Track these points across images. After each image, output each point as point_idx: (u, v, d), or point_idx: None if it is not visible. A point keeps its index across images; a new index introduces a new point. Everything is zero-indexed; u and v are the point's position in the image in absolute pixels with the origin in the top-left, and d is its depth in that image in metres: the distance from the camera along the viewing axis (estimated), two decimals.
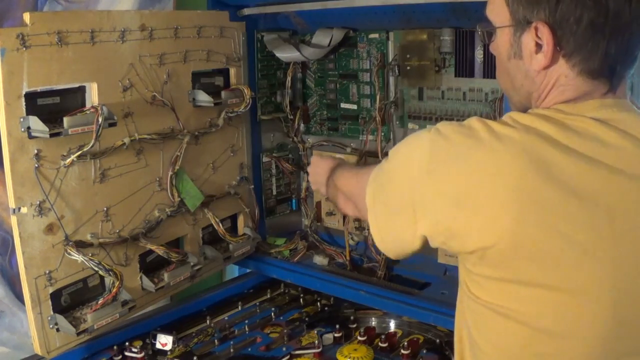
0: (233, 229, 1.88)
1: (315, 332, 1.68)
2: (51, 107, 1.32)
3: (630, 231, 0.85)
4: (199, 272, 1.66)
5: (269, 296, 1.96)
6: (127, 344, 1.58)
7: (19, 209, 1.27)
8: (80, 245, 1.36)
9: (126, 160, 1.48)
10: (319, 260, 1.91)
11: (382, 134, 1.83)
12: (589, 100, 0.91)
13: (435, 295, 1.63)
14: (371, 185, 1.01)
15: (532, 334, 0.87)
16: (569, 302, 0.85)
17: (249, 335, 1.72)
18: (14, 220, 1.27)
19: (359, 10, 1.68)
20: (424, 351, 1.58)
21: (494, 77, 1.59)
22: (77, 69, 1.34)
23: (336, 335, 1.65)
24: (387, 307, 1.68)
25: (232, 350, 1.63)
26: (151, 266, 1.59)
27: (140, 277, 1.54)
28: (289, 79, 1.99)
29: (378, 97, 1.83)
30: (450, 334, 1.60)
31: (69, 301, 1.40)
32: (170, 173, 1.59)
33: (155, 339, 1.64)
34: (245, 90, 1.74)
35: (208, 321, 1.78)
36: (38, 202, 1.29)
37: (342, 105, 1.98)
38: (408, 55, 1.76)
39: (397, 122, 1.86)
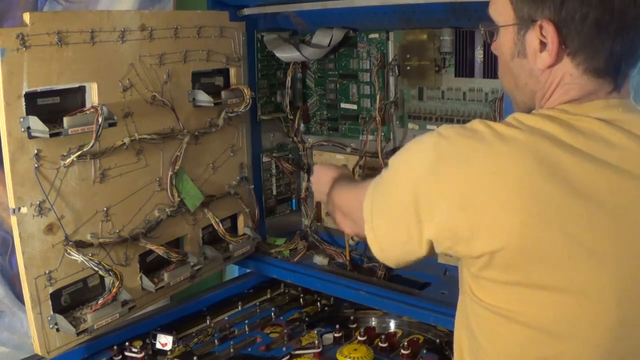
0: (233, 229, 1.88)
1: (315, 332, 1.68)
2: (51, 107, 1.32)
3: (635, 232, 0.85)
4: (199, 272, 1.66)
5: (269, 296, 1.96)
6: (127, 344, 1.58)
7: (19, 209, 1.27)
8: (80, 245, 1.36)
9: (126, 160, 1.48)
10: (319, 260, 1.91)
11: (382, 134, 1.83)
12: (594, 100, 0.90)
13: (435, 295, 1.63)
14: (369, 197, 0.99)
15: (537, 336, 0.87)
16: (575, 303, 0.85)
17: (249, 335, 1.72)
18: (14, 220, 1.27)
19: (359, 10, 1.68)
20: (424, 351, 1.58)
21: (494, 77, 1.61)
22: (77, 69, 1.34)
23: (336, 335, 1.65)
24: (387, 307, 1.68)
25: (232, 350, 1.63)
26: (151, 266, 1.59)
27: (140, 277, 1.54)
28: (289, 79, 1.99)
29: (378, 97, 1.83)
30: (450, 334, 1.59)
31: (69, 301, 1.40)
32: (170, 173, 1.59)
33: (155, 339, 1.64)
34: (245, 90, 1.74)
35: (208, 321, 1.78)
36: (38, 202, 1.29)
37: (342, 105, 1.98)
38: (408, 55, 1.76)
39: (397, 122, 1.86)
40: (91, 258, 1.36)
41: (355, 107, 1.95)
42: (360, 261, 1.92)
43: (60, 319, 1.35)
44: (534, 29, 0.89)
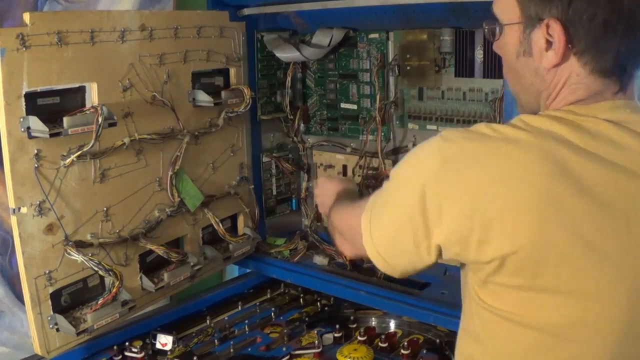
0: (233, 229, 1.88)
1: (315, 332, 1.68)
2: (51, 107, 1.32)
3: None
4: (199, 272, 1.66)
5: (269, 296, 1.96)
6: (127, 344, 1.58)
7: (19, 209, 1.27)
8: (80, 245, 1.36)
9: (126, 160, 1.48)
10: (319, 260, 1.91)
11: (382, 134, 1.83)
12: (600, 101, 0.90)
13: (435, 295, 1.63)
14: (367, 210, 0.98)
15: (547, 339, 0.86)
16: (586, 306, 0.84)
17: (249, 335, 1.72)
18: (14, 220, 1.27)
19: (359, 10, 1.68)
20: (424, 351, 1.58)
21: (494, 77, 1.61)
22: (77, 69, 1.34)
23: (336, 335, 1.65)
24: (387, 307, 1.68)
25: (232, 350, 1.63)
26: (151, 266, 1.59)
27: (140, 277, 1.54)
28: (289, 79, 1.99)
29: (378, 97, 1.83)
30: (451, 333, 1.60)
31: (69, 301, 1.40)
32: (170, 173, 1.59)
33: (155, 339, 1.64)
34: (245, 90, 1.74)
35: (208, 321, 1.78)
36: (38, 202, 1.29)
37: (342, 105, 1.98)
38: (408, 55, 1.76)
39: (397, 122, 1.86)
40: (91, 258, 1.36)
41: (355, 107, 1.95)
42: (360, 261, 1.92)
43: (60, 319, 1.35)
44: (541, 27, 0.88)
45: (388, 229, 0.95)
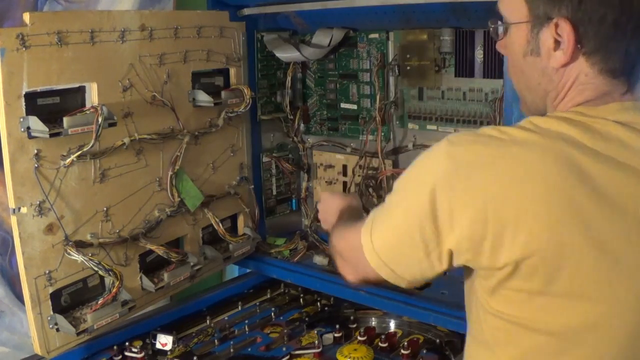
0: (233, 229, 1.88)
1: (315, 332, 1.68)
2: (51, 107, 1.32)
3: None
4: (199, 272, 1.66)
5: (269, 296, 1.96)
6: (127, 344, 1.58)
7: (19, 209, 1.27)
8: (80, 245, 1.36)
9: (126, 160, 1.48)
10: (319, 260, 1.91)
11: (382, 134, 1.83)
12: (609, 102, 0.89)
13: (435, 295, 1.63)
14: (369, 223, 0.95)
15: (560, 344, 0.86)
16: (601, 311, 0.84)
17: (249, 335, 1.72)
18: (13, 220, 1.27)
19: (359, 10, 1.68)
20: (424, 351, 1.58)
21: (494, 77, 1.61)
22: (77, 69, 1.34)
23: (336, 335, 1.65)
24: (387, 307, 1.67)
25: (232, 350, 1.63)
26: (151, 266, 1.59)
27: (140, 277, 1.54)
28: (289, 79, 1.99)
29: (378, 97, 1.83)
30: (451, 334, 1.61)
31: (69, 301, 1.40)
32: (170, 173, 1.59)
33: (155, 339, 1.64)
34: (245, 90, 1.74)
35: (208, 321, 1.78)
36: (38, 202, 1.29)
37: (342, 105, 1.98)
38: (408, 55, 1.76)
39: (397, 122, 1.86)
40: (91, 258, 1.36)
41: (355, 107, 1.95)
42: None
43: (60, 319, 1.35)
44: (549, 27, 0.87)
45: (394, 238, 0.91)
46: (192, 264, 1.62)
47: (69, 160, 1.33)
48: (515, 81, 0.99)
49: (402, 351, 1.54)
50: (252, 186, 1.90)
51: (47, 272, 1.32)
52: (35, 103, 1.28)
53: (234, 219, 1.87)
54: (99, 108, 1.31)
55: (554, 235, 0.80)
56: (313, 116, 2.06)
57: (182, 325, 1.75)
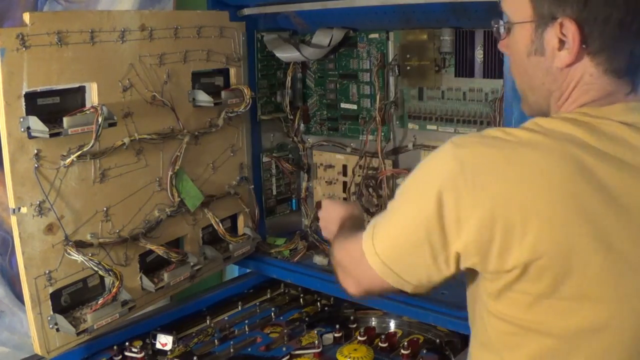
0: (233, 229, 1.88)
1: (315, 332, 1.68)
2: (51, 107, 1.32)
3: None
4: (199, 272, 1.66)
5: (269, 296, 1.96)
6: (127, 344, 1.58)
7: (19, 209, 1.27)
8: (80, 245, 1.36)
9: (126, 160, 1.48)
10: (319, 260, 1.91)
11: (382, 134, 1.83)
12: (614, 102, 0.88)
13: (435, 295, 1.62)
14: (370, 230, 0.94)
15: (567, 347, 0.85)
16: (609, 313, 0.83)
17: (249, 335, 1.72)
18: (14, 220, 1.27)
19: (359, 10, 1.68)
20: (424, 351, 1.57)
21: (494, 77, 1.61)
22: (77, 69, 1.35)
23: (336, 335, 1.65)
24: (387, 307, 1.67)
25: (232, 350, 1.63)
26: (151, 266, 1.59)
27: (140, 277, 1.54)
28: (289, 79, 1.99)
29: (378, 97, 1.83)
30: (451, 333, 1.60)
31: (69, 301, 1.40)
32: (170, 173, 1.59)
33: (155, 339, 1.64)
34: (245, 90, 1.74)
35: (208, 321, 1.78)
36: (38, 202, 1.29)
37: (342, 105, 1.98)
38: (408, 55, 1.76)
39: (397, 122, 1.86)
40: (91, 258, 1.36)
41: (355, 107, 1.95)
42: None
43: (60, 319, 1.35)
44: (554, 26, 0.86)
45: (398, 241, 0.90)
46: (192, 264, 1.62)
47: (69, 160, 1.33)
48: (518, 81, 0.98)
49: (402, 351, 1.54)
50: (252, 186, 1.90)
51: (47, 272, 1.32)
52: (35, 103, 1.29)
53: (234, 219, 1.87)
54: (99, 108, 1.31)
55: (562, 236, 0.80)
56: (313, 116, 2.06)
57: (182, 325, 1.75)
